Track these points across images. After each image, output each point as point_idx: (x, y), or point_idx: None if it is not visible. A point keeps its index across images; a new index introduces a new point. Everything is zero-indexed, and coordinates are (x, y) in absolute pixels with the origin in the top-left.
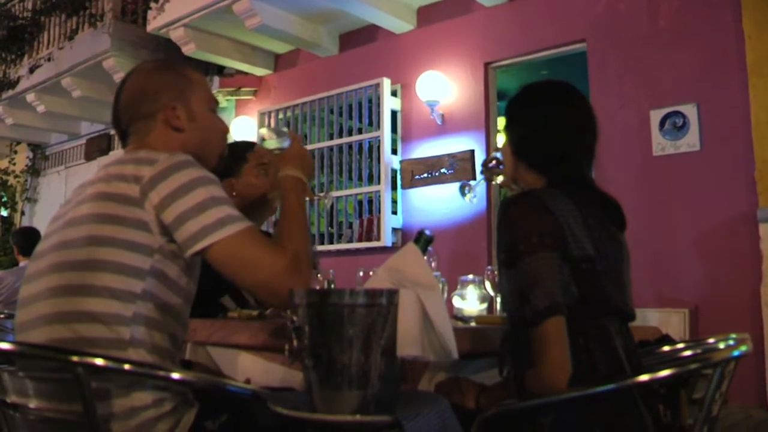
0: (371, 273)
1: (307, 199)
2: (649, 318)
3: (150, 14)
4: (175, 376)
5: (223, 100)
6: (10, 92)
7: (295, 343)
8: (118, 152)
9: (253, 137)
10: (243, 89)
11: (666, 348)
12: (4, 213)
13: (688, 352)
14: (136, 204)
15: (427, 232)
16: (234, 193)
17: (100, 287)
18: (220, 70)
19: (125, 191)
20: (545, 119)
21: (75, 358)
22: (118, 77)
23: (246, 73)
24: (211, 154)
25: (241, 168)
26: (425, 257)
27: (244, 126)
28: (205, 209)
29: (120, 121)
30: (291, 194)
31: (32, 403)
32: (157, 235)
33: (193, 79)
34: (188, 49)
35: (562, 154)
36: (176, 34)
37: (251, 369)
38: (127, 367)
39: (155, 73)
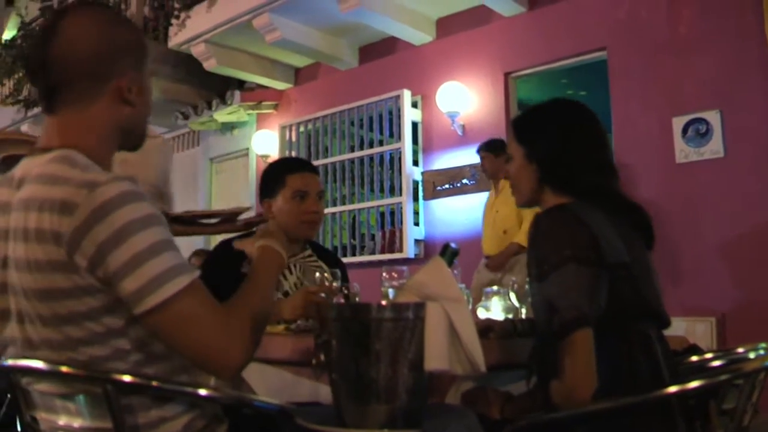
0: (394, 274)
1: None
2: (675, 327)
3: (171, 30)
4: (202, 392)
5: (244, 114)
6: (35, 110)
7: (321, 357)
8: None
9: (274, 150)
10: (264, 103)
11: (695, 358)
12: None
13: (718, 362)
14: (70, 270)
15: (453, 246)
16: (271, 215)
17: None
18: (240, 84)
19: (50, 254)
20: (569, 138)
21: (103, 377)
22: None
23: (267, 87)
24: (141, 134)
25: (277, 191)
26: (451, 270)
27: (265, 139)
28: (148, 260)
29: (48, 74)
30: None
31: (61, 420)
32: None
33: (147, 45)
34: (209, 65)
35: (587, 170)
36: (197, 50)
37: (278, 383)
38: (155, 384)
39: (115, 28)
